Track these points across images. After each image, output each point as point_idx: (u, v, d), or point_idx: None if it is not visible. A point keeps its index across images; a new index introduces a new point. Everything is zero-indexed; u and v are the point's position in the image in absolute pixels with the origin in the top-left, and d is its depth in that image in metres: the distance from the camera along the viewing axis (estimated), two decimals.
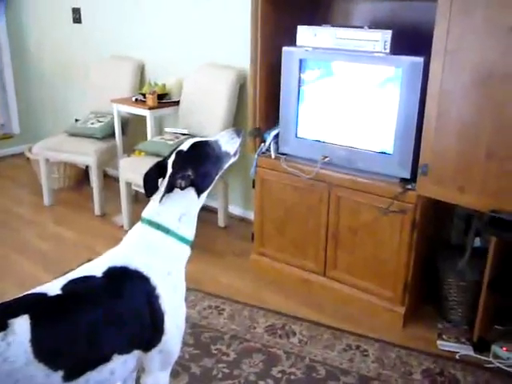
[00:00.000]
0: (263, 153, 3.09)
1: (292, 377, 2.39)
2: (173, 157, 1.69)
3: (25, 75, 5.57)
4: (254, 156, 3.12)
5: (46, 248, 3.59)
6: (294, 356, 2.54)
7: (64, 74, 5.18)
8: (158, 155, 3.56)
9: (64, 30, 5.01)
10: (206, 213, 4.13)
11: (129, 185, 3.75)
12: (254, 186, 3.17)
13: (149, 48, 4.35)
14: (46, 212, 4.22)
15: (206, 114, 3.75)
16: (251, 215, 3.98)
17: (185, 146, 1.71)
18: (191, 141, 1.73)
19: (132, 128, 4.32)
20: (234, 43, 3.76)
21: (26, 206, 4.37)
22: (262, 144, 3.09)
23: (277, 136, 3.04)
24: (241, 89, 3.74)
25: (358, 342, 2.67)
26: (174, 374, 2.32)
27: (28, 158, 4.99)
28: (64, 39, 5.06)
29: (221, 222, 3.94)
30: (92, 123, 4.20)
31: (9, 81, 5.57)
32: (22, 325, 1.39)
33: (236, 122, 3.80)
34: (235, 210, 4.11)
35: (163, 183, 1.65)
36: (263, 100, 3.08)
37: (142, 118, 4.01)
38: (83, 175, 4.80)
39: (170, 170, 1.66)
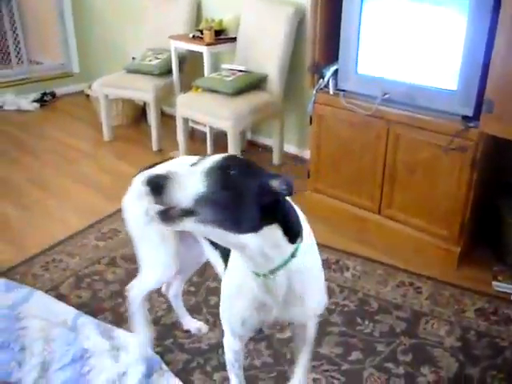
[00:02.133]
0: (321, 89, 3.05)
1: (345, 309, 2.45)
2: None
3: (83, 15, 5.62)
4: (312, 92, 3.08)
5: (105, 180, 3.72)
6: (348, 290, 2.59)
7: (120, 13, 5.20)
8: (215, 91, 3.59)
9: None
10: (261, 151, 4.18)
11: (185, 121, 3.80)
12: (311, 123, 3.16)
13: None
14: (105, 147, 4.35)
15: (263, 51, 3.71)
16: (306, 154, 3.99)
17: None
18: None
19: (189, 65, 4.33)
20: None
21: (85, 140, 4.51)
22: (321, 80, 3.05)
23: (336, 72, 2.99)
24: (299, 24, 3.67)
25: (411, 279, 2.69)
26: None
27: (88, 96, 5.11)
28: None
29: (275, 160, 3.96)
30: (150, 60, 4.23)
31: (69, 21, 5.65)
32: None
33: (293, 58, 3.76)
34: (290, 148, 4.11)
35: None
36: (323, 35, 3.01)
37: (199, 55, 4.01)
38: (140, 113, 4.88)
39: None
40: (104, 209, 3.26)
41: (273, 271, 1.30)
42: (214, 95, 3.58)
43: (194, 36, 3.96)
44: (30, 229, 3.13)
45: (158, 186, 1.09)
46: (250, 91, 3.63)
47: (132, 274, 2.64)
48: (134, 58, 4.64)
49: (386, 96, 2.79)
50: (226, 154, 1.21)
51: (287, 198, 1.26)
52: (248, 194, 1.14)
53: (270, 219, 1.21)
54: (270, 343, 2.22)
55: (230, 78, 3.58)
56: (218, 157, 1.19)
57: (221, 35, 3.91)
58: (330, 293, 2.54)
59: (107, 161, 4.08)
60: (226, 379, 2.02)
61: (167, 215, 1.13)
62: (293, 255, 1.29)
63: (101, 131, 4.45)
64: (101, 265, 2.74)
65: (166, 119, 4.56)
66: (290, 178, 1.18)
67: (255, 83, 3.67)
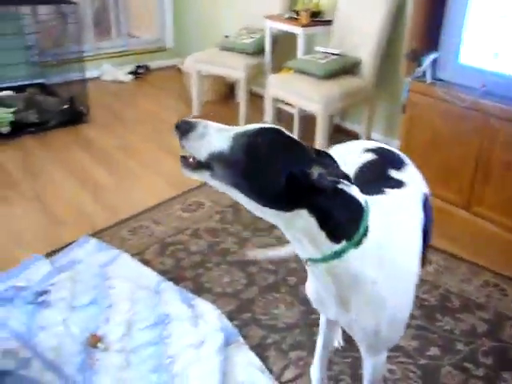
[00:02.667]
0: (417, 77, 2.97)
1: (426, 303, 2.40)
2: None
3: None
4: (408, 80, 3.01)
5: None
6: (429, 284, 2.53)
7: None
8: (307, 73, 3.58)
9: None
10: (347, 137, 4.12)
11: (274, 101, 3.81)
12: (403, 111, 3.09)
13: None
14: None
15: (359, 35, 3.65)
16: (392, 143, 3.90)
17: None
18: None
19: (281, 45, 4.33)
20: None
21: (175, 113, 4.62)
22: (418, 68, 2.96)
23: (435, 60, 2.89)
24: (398, 9, 3.58)
25: (496, 280, 2.58)
26: None
27: (179, 70, 5.23)
28: None
29: None
30: (244, 39, 4.26)
31: None
32: None
33: (389, 44, 3.67)
34: (376, 136, 4.03)
35: None
36: (424, 21, 2.92)
37: (293, 36, 4.00)
38: (229, 90, 4.95)
39: None
40: (189, 180, 3.32)
41: (312, 261, 1.19)
42: (305, 77, 3.57)
43: (289, 17, 3.95)
44: (119, 194, 3.26)
45: (183, 131, 1.10)
46: (342, 75, 3.59)
47: (214, 246, 2.72)
48: (226, 36, 4.70)
49: (485, 88, 2.68)
50: (269, 125, 1.15)
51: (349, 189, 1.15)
52: (274, 168, 1.07)
53: (303, 204, 1.10)
54: None
55: (324, 61, 3.55)
56: (258, 125, 1.13)
57: (317, 17, 3.88)
58: None
59: None
60: (302, 359, 2.04)
61: (186, 162, 1.14)
62: (337, 255, 1.15)
63: (190, 105, 4.55)
64: (184, 235, 2.82)
65: (254, 98, 4.59)
66: (339, 171, 1.12)
67: (348, 67, 3.62)
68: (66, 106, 4.21)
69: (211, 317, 2.19)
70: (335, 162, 1.20)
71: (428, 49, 2.94)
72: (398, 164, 1.61)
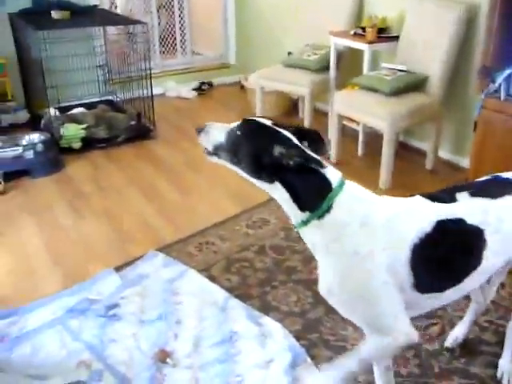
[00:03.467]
0: (490, 94, 2.88)
1: (500, 329, 2.30)
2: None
3: (244, 9, 5.83)
4: (480, 97, 2.92)
5: None
6: (504, 309, 2.42)
7: (280, 8, 5.31)
8: (373, 89, 3.54)
9: None
10: (413, 154, 4.05)
11: (340, 118, 3.78)
12: (475, 129, 3.00)
13: None
14: None
15: (427, 51, 3.58)
16: (462, 161, 3.80)
17: None
18: None
19: (346, 62, 4.31)
20: None
21: None
22: (491, 84, 2.88)
23: (509, 76, 2.80)
24: (468, 24, 3.49)
25: None
26: None
27: (242, 87, 5.29)
28: None
29: (428, 165, 3.80)
30: (308, 55, 4.27)
31: (231, 14, 5.88)
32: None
33: (459, 61, 3.58)
34: (444, 154, 3.94)
35: None
36: (498, 36, 2.83)
37: (358, 52, 3.99)
38: (292, 106, 4.96)
39: None
40: (254, 196, 3.36)
41: (294, 226, 1.49)
42: (371, 94, 3.53)
43: (355, 33, 3.93)
44: (185, 209, 3.32)
45: (198, 132, 1.56)
46: (409, 92, 3.52)
47: (279, 264, 2.71)
48: (290, 53, 4.73)
49: None
50: (246, 119, 1.51)
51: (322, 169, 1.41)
52: (250, 150, 1.44)
53: (276, 178, 1.42)
54: (418, 353, 2.15)
55: (390, 78, 3.50)
56: (240, 121, 1.50)
57: (383, 33, 3.84)
58: (485, 310, 2.41)
59: None
60: (371, 382, 1.99)
61: (206, 151, 1.57)
62: (304, 224, 1.45)
63: None
64: (250, 252, 2.83)
65: (318, 115, 4.58)
66: (305, 154, 1.41)
67: (415, 84, 3.56)
68: (133, 123, 4.33)
69: (279, 336, 2.18)
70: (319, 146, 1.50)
71: (501, 65, 2.85)
72: None
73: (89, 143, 4.13)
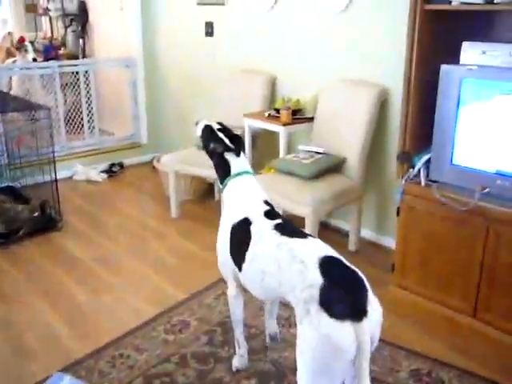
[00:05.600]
0: (411, 179, 2.85)
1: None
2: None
3: (154, 87, 5.70)
4: (401, 182, 2.88)
5: (173, 263, 3.57)
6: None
7: (191, 88, 5.23)
8: (291, 174, 3.44)
9: (196, 42, 5.05)
10: (335, 234, 3.96)
11: None
12: (398, 214, 2.93)
13: (281, 61, 4.24)
14: (172, 224, 4.22)
15: (343, 133, 3.56)
16: (384, 240, 3.76)
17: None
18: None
19: (262, 143, 4.23)
20: (375, 58, 3.55)
21: (152, 216, 4.42)
22: (411, 169, 2.85)
23: (428, 161, 2.79)
24: (382, 106, 3.52)
25: None
26: None
27: (154, 167, 5.07)
28: (194, 52, 5.10)
29: (351, 246, 3.72)
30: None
31: (141, 93, 5.73)
32: None
33: (375, 142, 3.59)
34: (366, 233, 3.88)
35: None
36: (414, 121, 2.83)
37: (272, 134, 3.91)
38: (208, 187, 4.78)
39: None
40: (173, 295, 3.10)
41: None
42: (290, 178, 3.42)
43: (269, 115, 3.86)
44: (96, 314, 2.98)
45: (196, 123, 2.51)
46: (328, 174, 3.46)
47: (203, 376, 2.44)
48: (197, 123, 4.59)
49: (486, 190, 2.56)
50: (209, 123, 2.44)
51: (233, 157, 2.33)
52: (205, 144, 2.41)
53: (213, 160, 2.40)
54: None
55: (308, 161, 3.42)
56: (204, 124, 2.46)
57: (297, 114, 3.80)
58: None
59: (175, 241, 3.94)
60: None
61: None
62: (221, 189, 2.38)
63: (168, 206, 4.36)
64: (171, 363, 2.53)
65: None
66: (221, 146, 2.32)
67: (334, 166, 3.51)
68: (36, 214, 3.97)
69: None
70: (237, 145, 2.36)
71: (420, 149, 2.84)
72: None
73: None
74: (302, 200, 3.24)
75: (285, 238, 1.96)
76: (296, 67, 4.14)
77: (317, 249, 1.88)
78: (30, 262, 3.57)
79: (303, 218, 3.29)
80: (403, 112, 2.83)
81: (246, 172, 2.32)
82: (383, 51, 3.49)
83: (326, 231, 3.93)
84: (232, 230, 2.19)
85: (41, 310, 3.02)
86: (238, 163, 2.31)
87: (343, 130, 3.56)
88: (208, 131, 2.37)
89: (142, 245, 3.87)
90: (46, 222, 4.00)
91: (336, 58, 3.82)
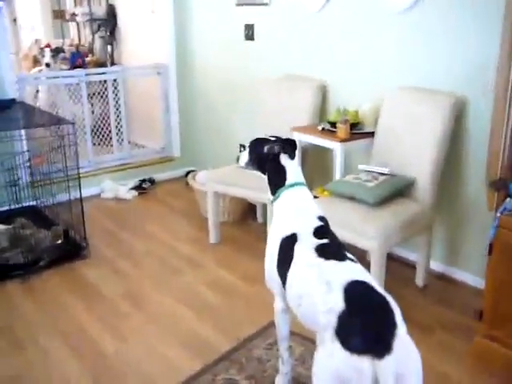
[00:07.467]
0: (509, 211, 2.33)
1: None
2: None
3: (187, 96, 5.27)
4: (495, 214, 2.36)
5: (215, 301, 3.10)
6: None
7: (229, 96, 4.78)
8: (351, 198, 2.94)
9: (234, 47, 4.60)
10: (400, 265, 3.44)
11: None
12: (490, 253, 2.41)
13: (332, 67, 3.75)
14: (211, 251, 3.76)
15: (410, 150, 3.05)
16: (456, 273, 3.26)
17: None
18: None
19: (311, 161, 3.74)
20: (448, 62, 3.05)
21: (188, 241, 3.93)
22: (508, 199, 2.33)
23: None
24: (456, 120, 3.00)
25: None
26: None
27: (187, 183, 4.63)
28: (232, 58, 4.66)
29: (419, 280, 3.19)
30: None
31: (173, 102, 5.30)
32: None
33: (450, 161, 3.07)
34: (434, 265, 3.35)
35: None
36: (509, 143, 2.32)
37: (324, 150, 3.44)
38: (249, 210, 4.31)
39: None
40: (215, 343, 2.64)
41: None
42: (350, 204, 2.92)
43: (323, 128, 3.37)
44: (125, 367, 2.53)
45: (236, 160, 2.40)
46: (394, 199, 2.96)
47: None
48: (242, 146, 4.13)
49: None
50: (259, 137, 2.33)
51: (287, 161, 2.16)
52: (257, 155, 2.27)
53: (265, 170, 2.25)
54: None
55: (372, 184, 2.91)
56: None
57: (355, 129, 3.30)
58: None
59: (214, 272, 3.46)
60: None
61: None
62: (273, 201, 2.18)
63: (203, 228, 3.91)
64: None
65: None
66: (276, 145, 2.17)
67: (402, 190, 3.00)
68: (59, 241, 3.54)
69: None
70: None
71: None
72: None
73: (1, 271, 3.30)
74: (367, 232, 2.73)
75: (320, 260, 1.78)
76: (350, 73, 3.64)
77: (348, 272, 1.71)
78: (50, 299, 3.13)
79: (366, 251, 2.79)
80: (496, 130, 2.32)
81: (301, 184, 2.15)
82: (459, 54, 2.98)
83: (393, 262, 3.39)
84: (281, 244, 2.01)
85: (59, 360, 2.58)
86: (294, 170, 2.15)
87: (410, 147, 3.05)
88: (257, 141, 2.28)
89: (175, 277, 3.40)
90: (70, 250, 3.58)
91: (397, 62, 3.32)
